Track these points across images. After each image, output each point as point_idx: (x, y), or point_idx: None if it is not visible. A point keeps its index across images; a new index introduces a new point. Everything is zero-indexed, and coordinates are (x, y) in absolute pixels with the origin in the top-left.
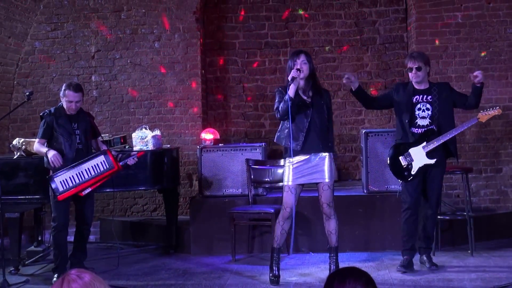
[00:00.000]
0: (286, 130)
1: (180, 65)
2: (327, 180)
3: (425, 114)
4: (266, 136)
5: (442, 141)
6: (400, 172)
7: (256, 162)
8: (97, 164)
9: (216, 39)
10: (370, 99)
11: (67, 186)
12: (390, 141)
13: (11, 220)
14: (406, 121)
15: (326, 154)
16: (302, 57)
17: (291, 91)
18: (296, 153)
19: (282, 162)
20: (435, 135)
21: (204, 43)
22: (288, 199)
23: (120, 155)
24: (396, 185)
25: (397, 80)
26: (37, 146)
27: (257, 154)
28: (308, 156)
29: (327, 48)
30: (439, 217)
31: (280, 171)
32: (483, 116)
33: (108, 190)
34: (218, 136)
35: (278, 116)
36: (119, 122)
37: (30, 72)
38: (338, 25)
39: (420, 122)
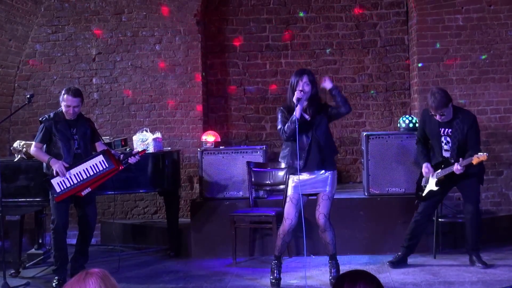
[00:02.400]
0: (288, 149)
1: (181, 68)
2: (327, 190)
3: (447, 147)
4: (267, 139)
5: (447, 172)
6: (417, 190)
7: (257, 164)
8: (95, 164)
9: (217, 41)
10: (429, 153)
11: (65, 187)
12: (391, 144)
13: (11, 223)
14: (436, 150)
15: (329, 173)
16: (305, 79)
17: (297, 113)
18: (297, 172)
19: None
20: (450, 164)
21: (204, 45)
22: (288, 209)
23: (122, 155)
24: (397, 188)
25: (398, 82)
26: (36, 150)
27: (258, 156)
28: (310, 174)
29: (328, 50)
30: (440, 219)
31: (281, 173)
32: (476, 159)
33: (108, 192)
34: (219, 139)
35: (285, 137)
36: (120, 124)
37: (30, 75)
38: (339, 28)
39: (444, 153)
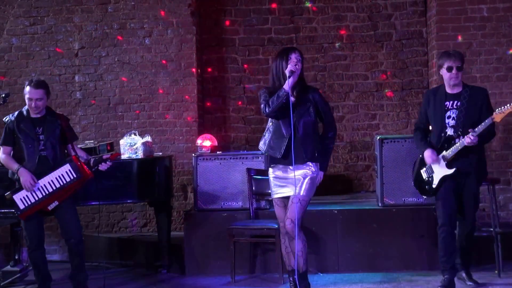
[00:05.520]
0: (269, 135)
1: (174, 64)
2: (302, 193)
3: (453, 122)
4: None
5: (459, 148)
6: (422, 186)
7: (258, 172)
8: (62, 174)
9: (214, 34)
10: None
11: (29, 203)
12: (407, 149)
13: None
14: (437, 130)
15: (310, 165)
16: (297, 53)
17: (288, 85)
18: (276, 162)
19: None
20: (452, 144)
21: (200, 39)
22: (279, 214)
23: (92, 159)
24: (414, 198)
25: (415, 80)
26: (4, 157)
27: (259, 163)
28: (288, 166)
29: (337, 44)
30: None
31: None
32: (498, 115)
33: (92, 203)
34: (215, 143)
35: (267, 111)
36: (106, 127)
37: (6, 72)
38: (350, 19)
39: (449, 131)
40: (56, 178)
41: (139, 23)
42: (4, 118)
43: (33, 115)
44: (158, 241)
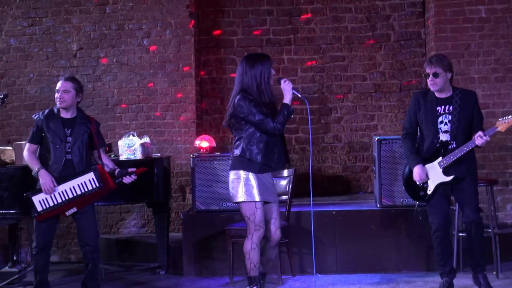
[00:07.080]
0: (262, 145)
1: (172, 65)
2: (277, 198)
3: (447, 127)
4: None
5: (458, 155)
6: (415, 192)
7: None
8: (84, 182)
9: (212, 35)
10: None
11: (47, 206)
12: None
13: None
14: (429, 136)
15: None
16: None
17: (290, 100)
18: (267, 170)
19: (242, 174)
20: (451, 148)
21: (198, 40)
22: (261, 216)
23: (117, 170)
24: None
25: (413, 81)
26: (27, 155)
27: None
28: (270, 173)
29: (335, 45)
30: (460, 234)
31: (283, 182)
32: (502, 124)
33: None
34: (214, 144)
35: (279, 129)
36: (104, 128)
37: (4, 73)
38: (348, 20)
39: (442, 137)
40: (78, 185)
41: (138, 24)
42: (34, 115)
43: (63, 115)
44: (156, 242)
